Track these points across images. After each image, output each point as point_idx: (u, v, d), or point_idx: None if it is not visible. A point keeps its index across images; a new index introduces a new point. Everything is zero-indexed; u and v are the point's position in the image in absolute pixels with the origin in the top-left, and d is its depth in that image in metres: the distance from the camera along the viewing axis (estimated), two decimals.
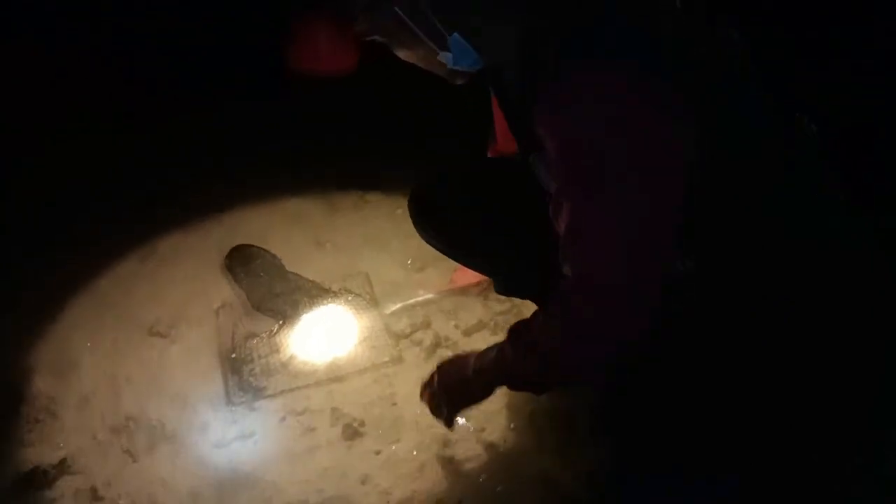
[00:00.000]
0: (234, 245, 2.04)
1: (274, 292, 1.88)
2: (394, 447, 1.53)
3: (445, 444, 1.54)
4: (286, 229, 2.14)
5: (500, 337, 1.70)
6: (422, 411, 1.56)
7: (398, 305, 1.84)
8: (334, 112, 2.53)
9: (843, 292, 1.10)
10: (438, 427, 1.53)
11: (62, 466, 1.53)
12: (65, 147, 2.40)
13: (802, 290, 1.09)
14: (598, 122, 0.91)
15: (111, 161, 2.37)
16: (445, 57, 1.14)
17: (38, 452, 1.56)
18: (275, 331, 1.78)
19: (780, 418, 1.17)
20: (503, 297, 1.86)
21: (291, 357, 1.72)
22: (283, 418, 1.60)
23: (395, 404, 1.61)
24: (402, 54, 1.19)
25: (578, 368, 1.12)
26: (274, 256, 2.00)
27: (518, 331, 1.17)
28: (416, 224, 1.52)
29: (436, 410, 1.37)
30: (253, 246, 2.04)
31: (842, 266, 1.09)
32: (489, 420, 1.56)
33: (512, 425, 1.54)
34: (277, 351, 1.73)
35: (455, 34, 1.10)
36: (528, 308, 1.80)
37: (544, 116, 0.96)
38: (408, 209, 1.53)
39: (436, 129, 2.35)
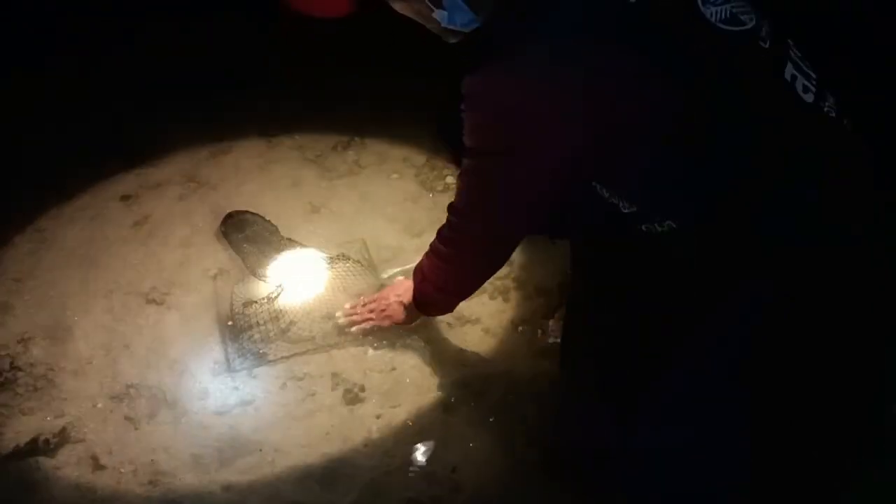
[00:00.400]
0: (228, 211, 2.02)
1: (270, 258, 1.87)
2: (394, 411, 1.53)
3: (446, 409, 1.55)
4: (281, 195, 2.12)
5: (499, 301, 1.74)
6: (421, 375, 1.59)
7: (396, 270, 1.84)
8: (328, 77, 2.48)
9: (842, 289, 1.08)
10: (438, 392, 1.56)
11: (64, 434, 1.53)
12: (65, 115, 2.38)
13: (802, 286, 1.07)
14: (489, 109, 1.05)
15: (108, 129, 2.33)
16: (440, 14, 1.13)
17: (39, 421, 1.56)
18: (272, 297, 1.77)
19: (779, 415, 1.17)
20: None
21: (290, 323, 1.71)
22: (284, 384, 1.60)
23: (394, 369, 1.62)
24: (398, 6, 1.18)
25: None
26: (269, 222, 1.99)
27: (419, 272, 1.44)
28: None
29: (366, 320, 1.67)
30: (247, 212, 2.03)
31: (839, 262, 1.07)
32: (489, 385, 1.57)
33: (511, 397, 1.56)
34: (276, 317, 1.73)
35: None
36: (524, 272, 1.81)
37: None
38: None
39: (432, 94, 2.31)
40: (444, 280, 1.38)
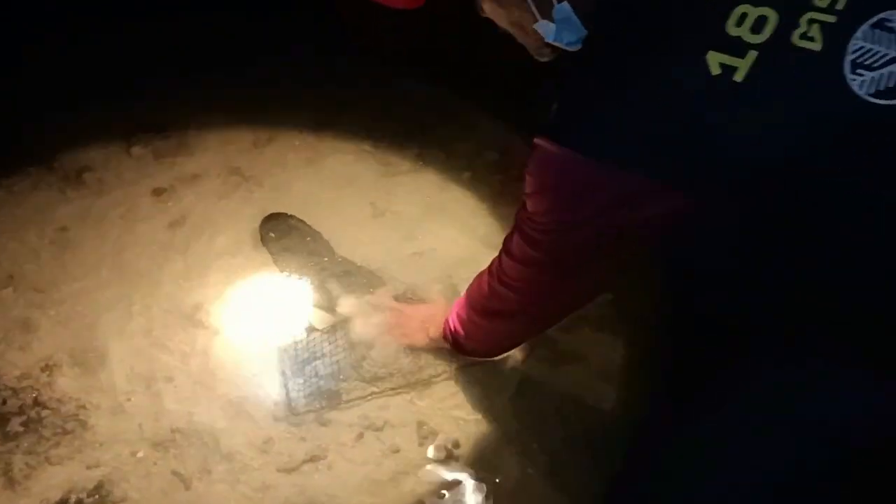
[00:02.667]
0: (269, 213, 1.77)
1: (323, 275, 1.61)
2: (498, 479, 1.28)
3: (551, 471, 1.30)
4: (337, 195, 1.85)
5: (606, 334, 1.49)
6: (522, 427, 1.34)
7: None
8: (385, 60, 2.18)
9: None
10: (548, 453, 1.31)
11: (100, 491, 1.29)
12: (87, 93, 2.07)
13: None
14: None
15: (135, 109, 2.04)
16: (545, 27, 0.94)
17: (70, 473, 1.32)
18: (339, 325, 1.50)
19: None
20: None
21: (362, 357, 1.46)
22: (360, 435, 1.35)
23: (493, 420, 1.37)
24: (488, 8, 1.01)
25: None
26: (318, 233, 1.72)
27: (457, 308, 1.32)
28: None
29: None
30: (291, 216, 1.75)
31: None
32: (609, 446, 1.32)
33: None
34: (344, 348, 1.47)
35: (565, 2, 0.90)
36: (633, 301, 1.55)
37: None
38: None
39: (505, 77, 2.03)
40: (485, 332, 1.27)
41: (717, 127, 0.79)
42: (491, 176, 1.88)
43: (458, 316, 1.31)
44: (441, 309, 1.44)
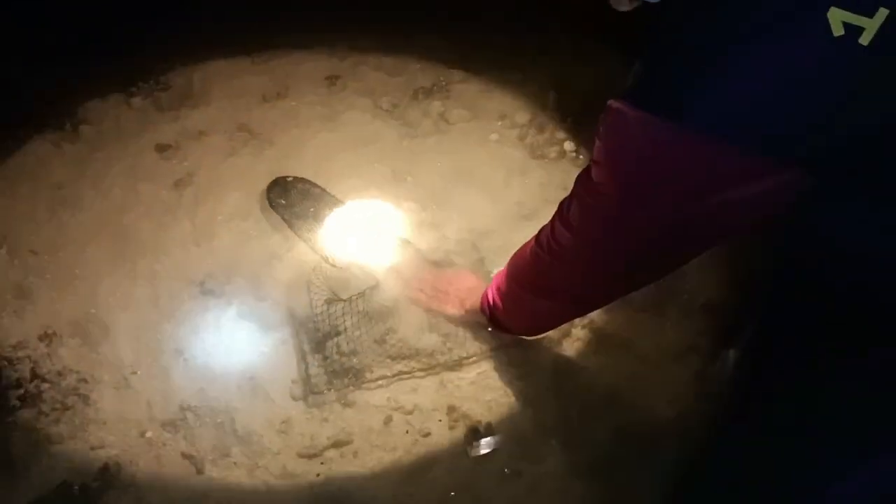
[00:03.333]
0: (277, 177, 1.63)
1: (340, 243, 1.50)
2: (536, 469, 1.19)
3: (593, 465, 1.21)
4: (351, 157, 1.72)
5: (651, 316, 1.38)
6: (561, 414, 1.24)
7: None
8: (404, 9, 2.02)
9: None
10: (591, 444, 1.21)
11: (105, 476, 1.19)
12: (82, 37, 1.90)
13: None
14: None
15: (134, 57, 1.88)
16: None
17: (72, 454, 1.21)
18: (362, 295, 1.39)
19: None
20: None
21: (387, 331, 1.35)
22: (389, 418, 1.25)
23: (528, 405, 1.27)
24: None
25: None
26: (332, 196, 1.60)
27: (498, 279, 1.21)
28: None
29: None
30: (300, 180, 1.62)
31: None
32: (655, 439, 1.23)
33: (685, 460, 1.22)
34: (368, 322, 1.36)
35: None
36: (681, 280, 1.45)
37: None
38: None
39: (541, 35, 1.89)
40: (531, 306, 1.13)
41: (835, 96, 0.68)
42: (521, 139, 1.75)
43: (499, 288, 1.20)
44: (479, 281, 1.33)
